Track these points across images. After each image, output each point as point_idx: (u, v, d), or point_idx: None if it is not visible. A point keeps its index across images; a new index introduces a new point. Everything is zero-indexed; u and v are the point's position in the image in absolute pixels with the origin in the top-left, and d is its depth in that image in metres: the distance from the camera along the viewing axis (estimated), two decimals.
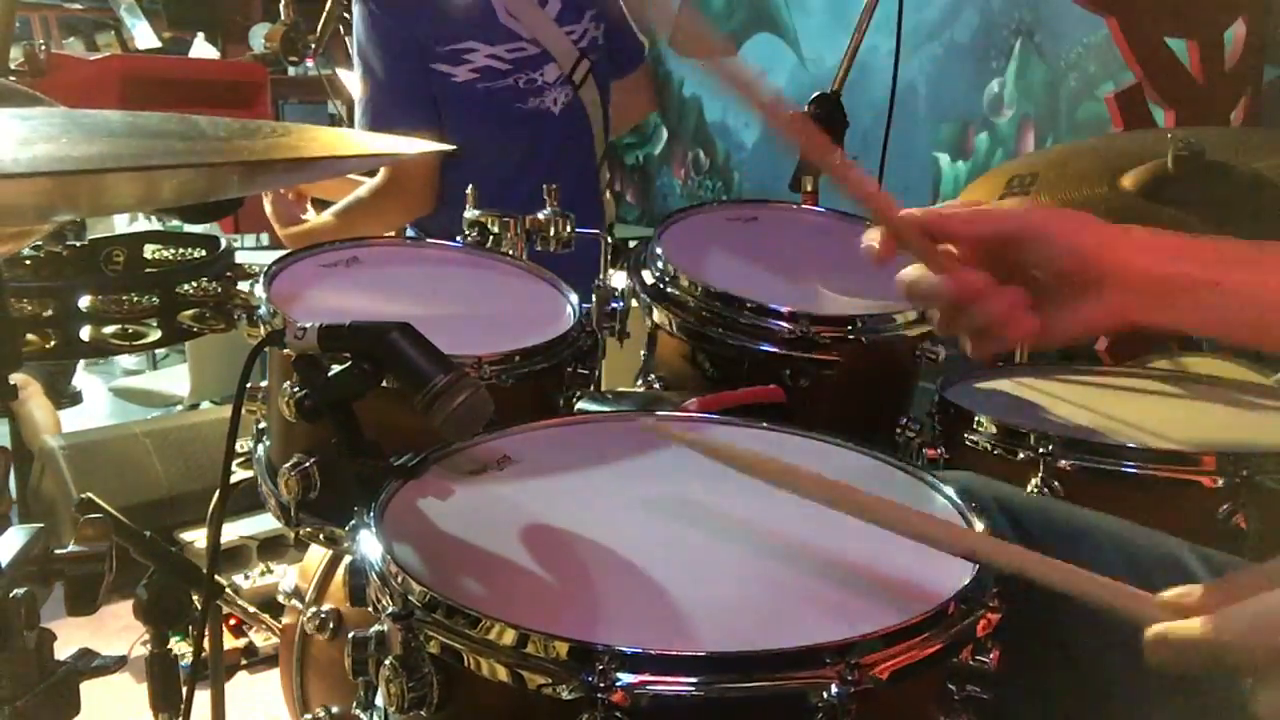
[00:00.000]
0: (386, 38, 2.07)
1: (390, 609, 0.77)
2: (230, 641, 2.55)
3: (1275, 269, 0.82)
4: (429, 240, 1.47)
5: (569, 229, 1.50)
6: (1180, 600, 0.66)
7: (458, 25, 2.07)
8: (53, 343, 1.48)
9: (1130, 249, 0.81)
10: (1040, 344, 0.82)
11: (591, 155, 2.28)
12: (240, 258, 1.69)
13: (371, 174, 2.18)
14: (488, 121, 2.10)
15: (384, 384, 0.97)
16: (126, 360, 4.87)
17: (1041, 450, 1.21)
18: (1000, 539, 0.84)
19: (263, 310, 1.20)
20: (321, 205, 2.27)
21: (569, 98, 2.18)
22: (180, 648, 1.32)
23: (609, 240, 1.50)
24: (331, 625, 1.33)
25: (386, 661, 0.77)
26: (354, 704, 0.91)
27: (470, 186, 1.55)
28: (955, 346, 1.08)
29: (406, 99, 2.06)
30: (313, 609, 1.37)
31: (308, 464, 1.15)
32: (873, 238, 0.87)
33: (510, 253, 1.47)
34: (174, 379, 4.00)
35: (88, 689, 0.95)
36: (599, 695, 0.69)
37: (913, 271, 0.85)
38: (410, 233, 2.19)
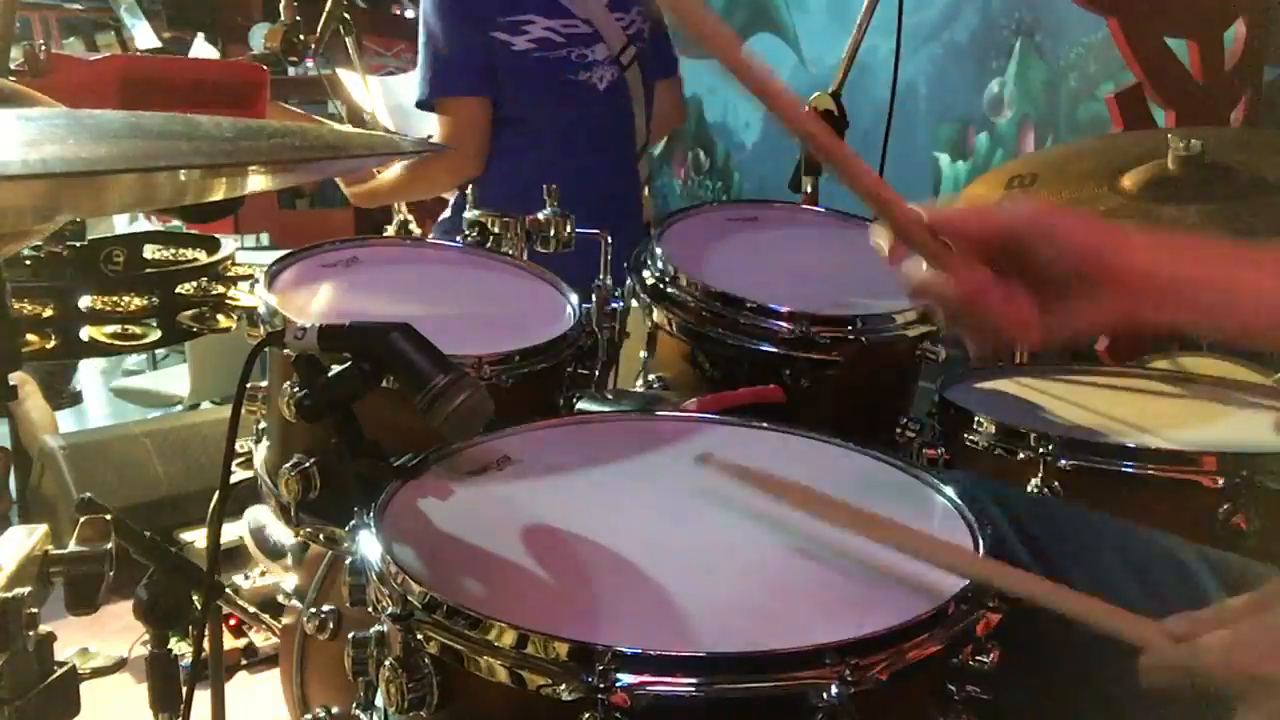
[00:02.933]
0: (452, 8, 2.19)
1: (390, 609, 0.77)
2: (230, 641, 2.55)
3: (1275, 270, 0.82)
4: (429, 240, 1.47)
5: (569, 229, 1.50)
6: (1178, 627, 0.70)
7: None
8: (53, 343, 1.48)
9: (1133, 249, 0.82)
10: (1042, 342, 0.82)
11: (632, 140, 2.37)
12: (240, 258, 1.69)
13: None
14: (538, 89, 2.23)
15: (384, 384, 0.97)
16: (126, 360, 4.87)
17: (1041, 450, 1.21)
18: (1003, 545, 0.85)
19: (263, 310, 1.20)
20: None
21: (615, 77, 2.29)
22: (180, 648, 1.32)
23: (609, 240, 1.50)
24: (331, 625, 1.33)
25: (386, 662, 0.77)
26: (354, 704, 0.91)
27: (471, 187, 1.55)
28: (956, 347, 1.07)
29: (465, 65, 2.18)
30: (312, 609, 1.37)
31: (308, 464, 1.15)
32: (880, 237, 0.87)
33: (510, 253, 1.47)
34: (174, 379, 4.00)
35: (88, 689, 0.95)
36: (599, 696, 0.69)
37: (915, 270, 0.85)
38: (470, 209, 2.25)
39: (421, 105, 2.24)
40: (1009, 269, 0.83)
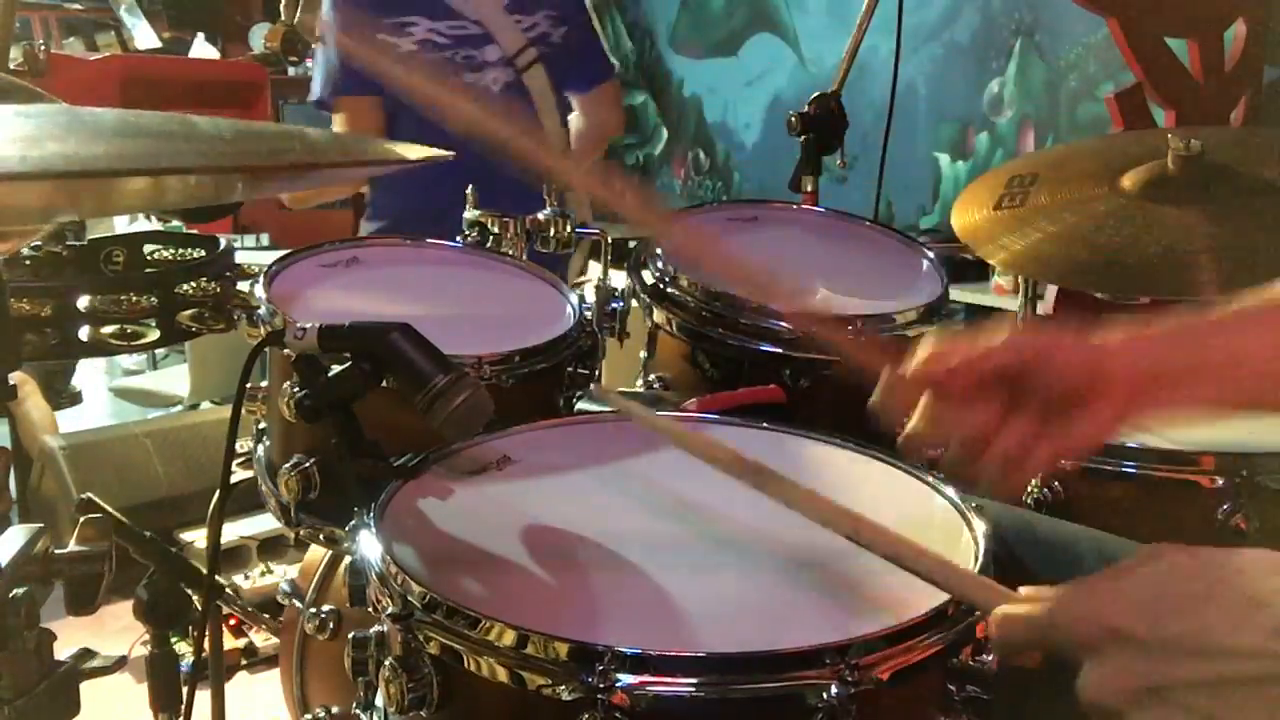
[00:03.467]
0: (340, 8, 2.21)
1: (390, 609, 0.77)
2: (230, 641, 2.55)
3: (1247, 332, 0.83)
4: (429, 240, 1.47)
5: (569, 229, 1.50)
6: (1037, 593, 0.70)
7: (405, 1, 2.20)
8: (52, 343, 1.48)
9: (1118, 356, 0.83)
10: (1050, 464, 0.82)
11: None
12: (240, 258, 1.69)
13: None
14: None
15: (384, 384, 0.97)
16: (126, 360, 4.87)
17: None
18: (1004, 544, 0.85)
19: (263, 310, 1.20)
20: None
21: (510, 79, 2.26)
22: (180, 648, 1.32)
23: (609, 240, 1.50)
24: (331, 625, 1.33)
25: (386, 662, 0.77)
26: (354, 704, 0.91)
27: (470, 187, 1.54)
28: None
29: (354, 65, 2.17)
30: (313, 609, 1.37)
31: (308, 464, 1.15)
32: (883, 400, 0.88)
33: (510, 253, 1.47)
34: (174, 379, 4.00)
35: (88, 689, 0.95)
36: (599, 696, 0.69)
37: (916, 426, 0.86)
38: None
39: (318, 105, 2.28)
40: (1008, 401, 0.83)
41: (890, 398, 0.88)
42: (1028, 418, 0.82)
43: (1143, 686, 0.62)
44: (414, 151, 0.90)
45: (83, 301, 1.49)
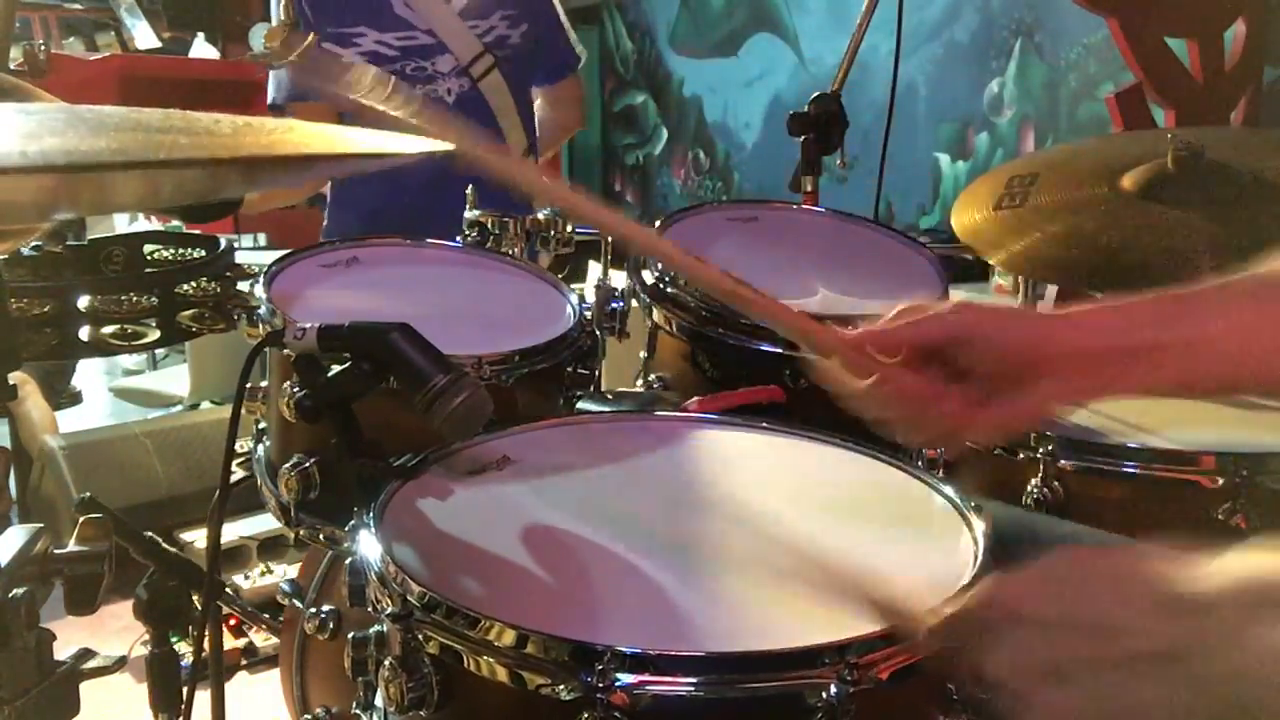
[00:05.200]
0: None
1: (389, 609, 0.77)
2: (230, 641, 2.55)
3: (1214, 315, 0.83)
4: (429, 240, 1.47)
5: (569, 229, 1.50)
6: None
7: (348, 10, 2.15)
8: (52, 343, 1.48)
9: (1066, 332, 0.85)
10: (999, 433, 0.89)
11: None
12: (240, 258, 1.69)
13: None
14: None
15: (384, 384, 0.97)
16: (126, 360, 4.88)
17: (1041, 450, 1.21)
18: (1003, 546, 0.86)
19: (263, 310, 1.20)
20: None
21: (465, 88, 2.21)
22: (180, 648, 1.32)
23: (609, 240, 1.50)
24: (331, 625, 1.33)
25: (386, 662, 0.77)
26: (354, 704, 0.91)
27: (470, 187, 1.55)
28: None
29: (300, 71, 2.11)
30: (312, 609, 1.37)
31: (308, 464, 1.15)
32: (829, 369, 0.90)
33: (510, 253, 1.47)
34: (174, 379, 4.01)
35: (88, 689, 0.95)
36: (599, 695, 0.69)
37: (854, 382, 0.89)
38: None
39: (273, 109, 2.24)
40: (950, 374, 0.86)
41: (832, 362, 0.90)
42: (968, 387, 0.85)
43: (1045, 665, 0.63)
44: (412, 144, 0.90)
45: (83, 301, 1.49)
